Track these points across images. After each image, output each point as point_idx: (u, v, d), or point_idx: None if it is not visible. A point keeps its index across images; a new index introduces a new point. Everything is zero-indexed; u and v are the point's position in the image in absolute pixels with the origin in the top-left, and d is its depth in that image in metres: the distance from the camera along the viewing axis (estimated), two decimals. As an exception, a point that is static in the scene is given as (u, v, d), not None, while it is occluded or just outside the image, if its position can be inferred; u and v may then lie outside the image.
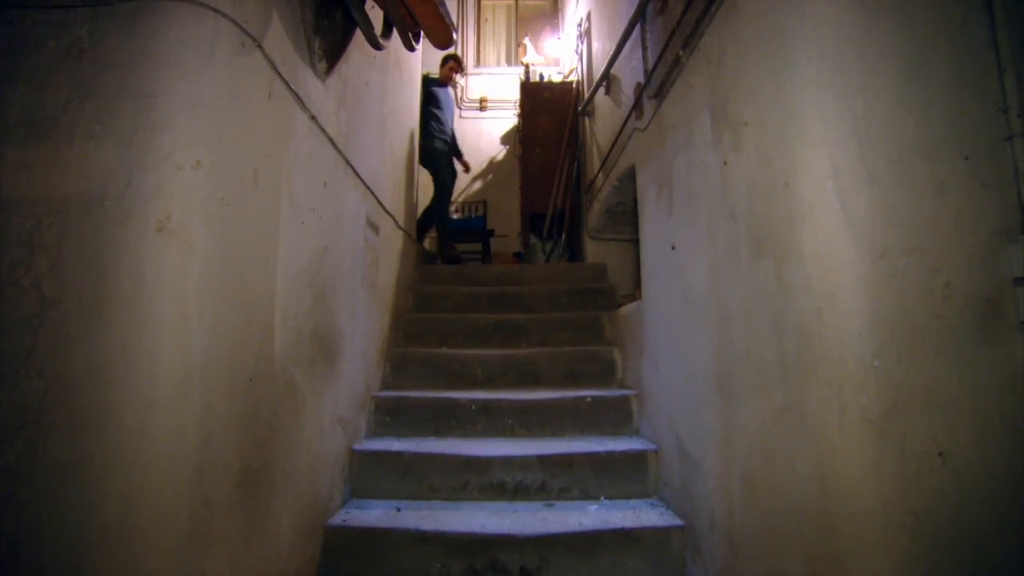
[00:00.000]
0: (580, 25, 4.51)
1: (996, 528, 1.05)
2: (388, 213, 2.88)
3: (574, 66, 4.86)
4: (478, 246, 5.12)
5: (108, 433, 1.04)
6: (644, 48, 2.50)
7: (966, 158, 1.15)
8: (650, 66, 2.38)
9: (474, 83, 5.96)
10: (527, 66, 5.22)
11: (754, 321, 1.43)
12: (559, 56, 5.72)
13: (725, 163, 1.61)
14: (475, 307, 3.58)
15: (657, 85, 2.27)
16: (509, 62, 6.11)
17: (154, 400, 1.07)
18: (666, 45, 2.09)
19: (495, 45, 5.78)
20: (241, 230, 1.32)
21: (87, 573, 1.00)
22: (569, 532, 1.95)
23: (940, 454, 1.04)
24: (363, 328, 2.43)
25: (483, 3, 6.22)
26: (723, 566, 1.62)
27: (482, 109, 5.66)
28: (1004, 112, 1.15)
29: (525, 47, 5.78)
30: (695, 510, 1.87)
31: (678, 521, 1.98)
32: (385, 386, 2.79)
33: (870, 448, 1.08)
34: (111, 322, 1.07)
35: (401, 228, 3.27)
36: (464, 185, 5.70)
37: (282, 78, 1.52)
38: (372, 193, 2.53)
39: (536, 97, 4.73)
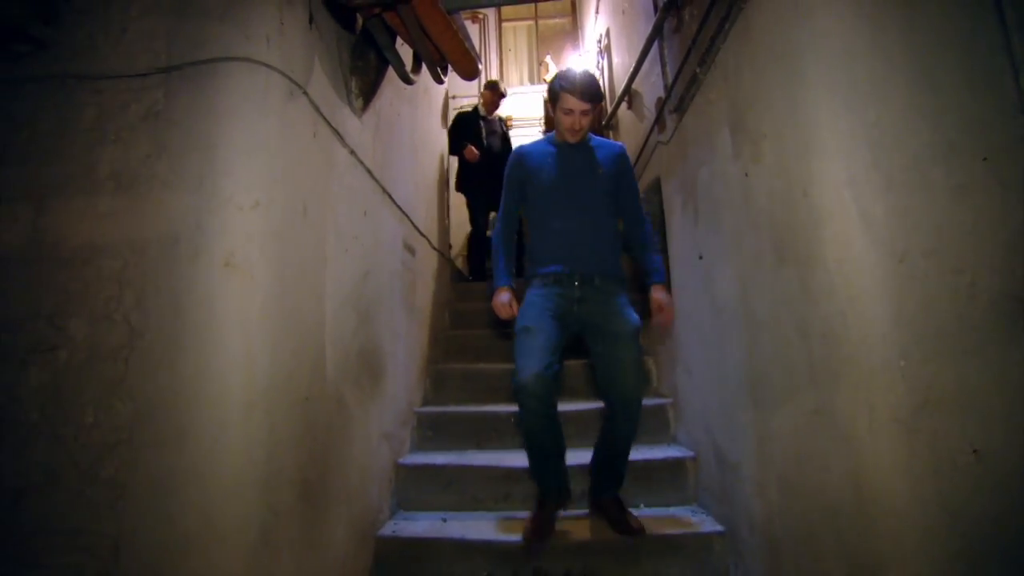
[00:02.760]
0: (600, 41, 4.60)
1: (1034, 523, 1.05)
2: (423, 235, 3.01)
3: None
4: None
5: (186, 450, 1.17)
6: (663, 64, 2.56)
7: (984, 159, 1.18)
8: (670, 81, 2.45)
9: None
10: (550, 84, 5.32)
11: (781, 327, 1.47)
12: (581, 72, 5.82)
13: (746, 175, 1.66)
14: (511, 322, 3.66)
15: (677, 100, 2.33)
16: (532, 81, 6.25)
17: (225, 420, 1.20)
18: (684, 61, 2.15)
19: (517, 66, 5.94)
20: (294, 261, 1.45)
21: (175, 574, 1.12)
22: (610, 539, 1.99)
23: (975, 451, 1.06)
24: (404, 347, 2.54)
25: (504, 25, 6.41)
26: (764, 570, 1.64)
27: (508, 129, 5.79)
28: (1022, 113, 1.17)
29: (547, 65, 5.91)
30: (735, 515, 1.89)
31: (718, 527, 2.00)
32: (426, 402, 2.89)
33: (901, 447, 1.11)
34: (187, 350, 1.21)
35: (435, 248, 3.40)
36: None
37: (324, 119, 1.66)
38: (408, 217, 2.66)
39: (559, 115, 4.83)
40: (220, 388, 1.20)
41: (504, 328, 3.33)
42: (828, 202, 1.26)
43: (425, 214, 3.17)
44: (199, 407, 1.19)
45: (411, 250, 2.75)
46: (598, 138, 2.09)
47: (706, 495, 2.20)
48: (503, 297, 1.95)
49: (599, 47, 4.62)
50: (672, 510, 2.23)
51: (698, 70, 1.96)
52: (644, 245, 2.05)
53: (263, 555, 1.22)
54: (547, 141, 2.05)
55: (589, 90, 1.83)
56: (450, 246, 4.45)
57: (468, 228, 5.52)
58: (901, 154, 1.20)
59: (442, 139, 4.04)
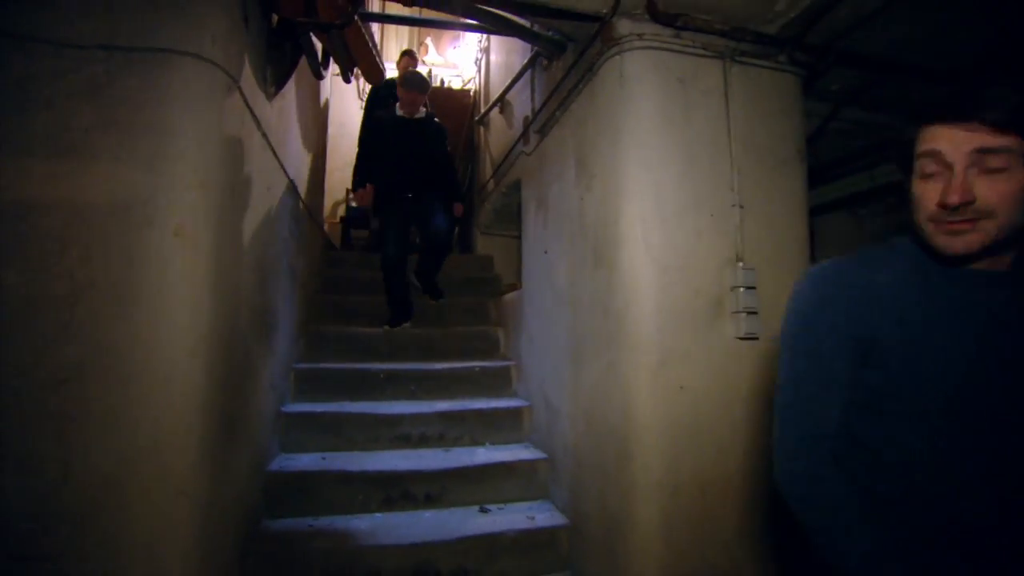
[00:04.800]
0: (480, 41, 5.05)
1: (712, 426, 1.85)
2: (305, 207, 3.23)
3: (472, 76, 5.39)
4: (366, 232, 5.41)
5: (142, 385, 1.43)
6: (532, 90, 3.13)
7: (711, 215, 1.94)
8: (537, 107, 3.03)
9: (375, 75, 6.21)
10: (430, 69, 5.63)
11: (594, 309, 2.14)
12: (458, 63, 6.20)
13: (581, 199, 2.30)
14: (377, 290, 4.01)
15: (541, 123, 2.92)
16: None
17: (175, 361, 1.48)
18: (549, 97, 2.74)
19: (398, 40, 6.08)
20: (227, 232, 1.72)
21: (129, 483, 1.40)
22: (463, 467, 2.57)
23: (681, 387, 1.82)
24: (288, 308, 2.80)
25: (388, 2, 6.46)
26: (571, 477, 2.36)
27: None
28: (732, 191, 1.96)
29: (427, 47, 6.17)
30: (554, 445, 2.59)
31: (543, 455, 2.70)
32: (302, 359, 3.17)
33: (650, 386, 1.83)
34: (141, 302, 1.45)
35: (313, 219, 3.61)
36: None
37: (250, 109, 1.90)
38: (296, 191, 2.89)
39: (436, 100, 5.19)
40: (171, 335, 1.47)
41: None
42: (626, 229, 1.94)
43: (305, 187, 3.37)
44: (152, 350, 1.45)
45: (296, 220, 2.97)
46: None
47: (536, 434, 2.89)
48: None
49: (480, 46, 5.06)
50: (511, 446, 2.90)
51: (557, 111, 2.56)
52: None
53: (200, 469, 1.53)
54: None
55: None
56: (323, 218, 4.60)
57: (338, 197, 5.66)
58: (670, 205, 1.92)
59: (323, 117, 4.18)
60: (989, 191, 0.73)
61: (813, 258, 2.14)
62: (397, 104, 3.60)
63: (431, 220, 3.52)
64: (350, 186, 5.78)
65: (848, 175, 3.15)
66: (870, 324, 0.83)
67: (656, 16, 1.85)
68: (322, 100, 4.00)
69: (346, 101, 5.78)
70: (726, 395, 1.89)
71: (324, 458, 2.57)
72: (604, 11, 1.88)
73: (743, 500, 1.86)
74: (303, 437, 2.67)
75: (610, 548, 1.93)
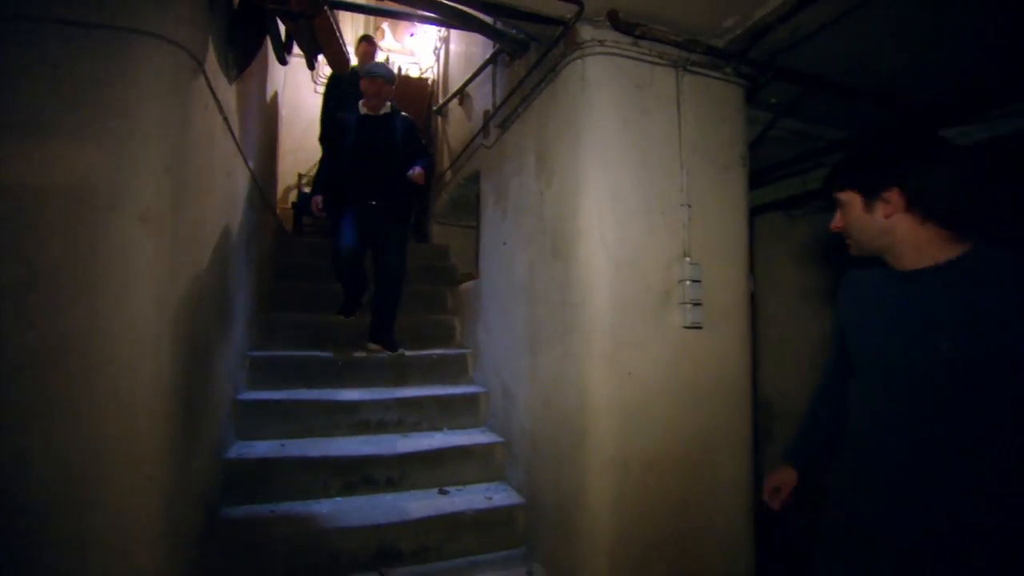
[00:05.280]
0: (440, 31, 5.03)
1: (658, 408, 2.02)
2: (262, 192, 3.17)
3: (431, 65, 5.37)
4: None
5: (109, 371, 1.42)
6: (494, 85, 3.20)
7: (662, 214, 2.09)
8: (498, 101, 3.10)
9: (328, 57, 6.05)
10: (387, 56, 5.55)
11: (551, 300, 2.26)
12: (415, 50, 6.14)
13: (542, 194, 2.41)
14: (331, 277, 3.97)
15: (502, 119, 2.99)
16: (366, 43, 6.31)
17: (142, 349, 1.47)
18: (510, 94, 2.81)
19: (353, 26, 5.95)
20: (190, 218, 1.70)
21: (94, 472, 1.39)
22: (421, 451, 2.64)
23: (630, 373, 1.97)
24: (243, 294, 2.76)
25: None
26: (528, 458, 2.48)
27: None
28: (682, 191, 2.12)
29: (383, 31, 6.07)
30: (511, 429, 2.71)
31: (499, 439, 2.81)
32: (256, 346, 3.12)
33: (603, 371, 1.97)
34: (106, 289, 1.43)
35: (267, 204, 3.54)
36: (315, 162, 5.84)
37: (213, 93, 1.88)
38: (253, 176, 2.84)
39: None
40: (137, 322, 1.46)
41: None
42: (584, 226, 2.06)
43: (260, 172, 3.30)
44: (119, 337, 1.43)
45: (252, 206, 2.92)
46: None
47: (493, 420, 3.00)
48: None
49: (439, 35, 5.04)
50: (468, 431, 2.99)
51: (519, 108, 2.65)
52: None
53: (166, 456, 1.53)
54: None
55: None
56: (276, 202, 4.49)
57: (289, 182, 5.52)
58: (625, 204, 2.05)
59: (278, 102, 4.07)
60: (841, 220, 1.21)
61: (751, 254, 2.35)
62: (361, 102, 3.24)
63: (389, 247, 3.22)
64: (301, 171, 5.70)
65: (783, 179, 3.41)
66: (844, 317, 1.26)
67: (617, 24, 1.97)
68: (276, 82, 3.90)
69: (298, 82, 5.63)
70: (672, 380, 2.06)
71: (283, 445, 2.57)
72: (569, 16, 1.98)
73: (685, 475, 2.05)
74: (259, 425, 2.65)
75: (565, 521, 2.07)
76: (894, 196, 1.08)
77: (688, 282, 2.06)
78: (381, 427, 2.86)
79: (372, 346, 3.28)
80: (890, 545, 1.06)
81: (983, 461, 0.97)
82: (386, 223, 3.24)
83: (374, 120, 3.25)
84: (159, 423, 1.51)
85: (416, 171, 3.16)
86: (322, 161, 3.44)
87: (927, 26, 1.99)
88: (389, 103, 3.29)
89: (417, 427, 2.93)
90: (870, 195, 1.11)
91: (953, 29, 2.00)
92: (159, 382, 1.51)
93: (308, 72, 5.44)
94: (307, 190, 5.69)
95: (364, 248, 3.27)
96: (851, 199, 1.15)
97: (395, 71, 3.65)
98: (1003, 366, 0.94)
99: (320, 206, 3.21)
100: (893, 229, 1.10)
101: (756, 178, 3.02)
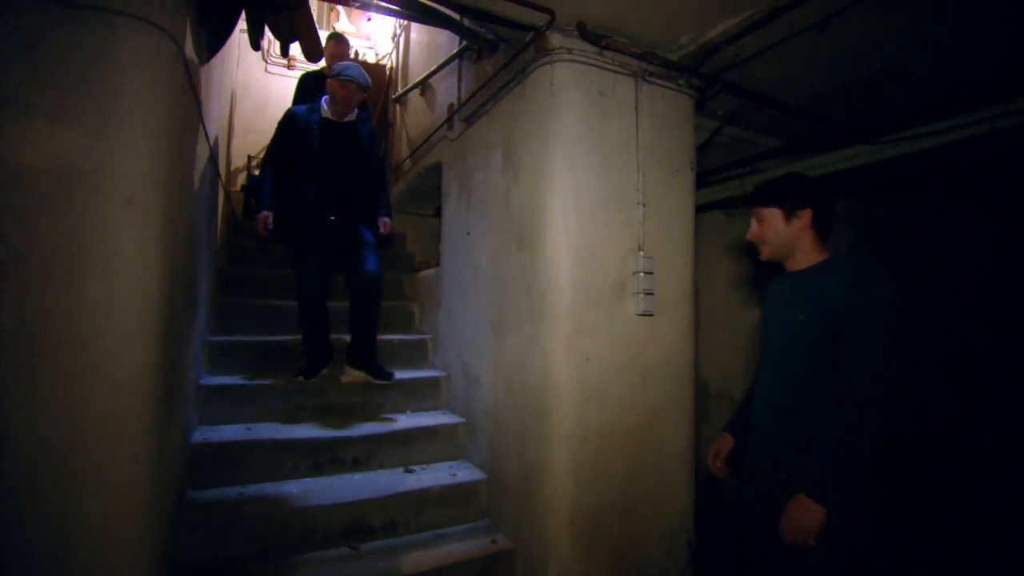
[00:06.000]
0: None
1: (613, 387, 2.23)
2: (219, 174, 3.12)
3: (389, 51, 5.35)
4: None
5: (95, 351, 1.44)
6: (459, 79, 3.29)
7: (620, 210, 2.29)
8: (463, 96, 3.19)
9: (280, 36, 5.88)
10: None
11: (517, 287, 2.42)
12: (371, 34, 6.06)
13: (508, 188, 2.55)
14: (286, 262, 3.95)
15: (468, 113, 3.10)
16: (320, 24, 6.17)
17: (128, 327, 1.50)
18: (478, 89, 2.92)
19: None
20: (173, 199, 1.72)
21: (80, 452, 1.42)
22: (387, 432, 2.74)
23: (587, 360, 2.17)
24: (205, 278, 2.74)
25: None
26: (490, 436, 2.64)
27: (290, 68, 5.68)
28: (637, 191, 2.32)
29: (338, 13, 5.96)
30: (473, 410, 2.86)
31: (462, 419, 2.95)
32: (215, 331, 3.09)
33: (565, 353, 2.16)
34: (92, 271, 1.45)
35: (224, 187, 3.47)
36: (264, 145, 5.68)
37: (190, 77, 1.88)
38: (215, 159, 2.80)
39: (350, 72, 5.10)
40: (124, 303, 1.48)
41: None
42: (550, 219, 2.22)
43: (217, 154, 3.24)
44: (104, 318, 1.45)
45: (213, 189, 2.89)
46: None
47: (455, 401, 3.13)
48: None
49: (399, 22, 5.03)
50: (430, 413, 3.11)
51: (487, 104, 2.76)
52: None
53: (150, 437, 1.56)
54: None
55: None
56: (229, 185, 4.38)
57: (239, 164, 5.36)
58: (587, 200, 2.23)
59: (232, 83, 3.96)
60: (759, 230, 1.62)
61: (696, 249, 2.60)
62: (324, 99, 2.86)
63: (360, 256, 2.86)
64: (251, 152, 5.53)
65: (725, 181, 3.72)
66: (763, 312, 1.71)
67: (585, 35, 2.13)
68: (231, 62, 3.80)
69: (248, 62, 5.45)
70: (625, 362, 2.27)
71: (248, 428, 2.60)
72: (541, 24, 2.12)
73: (635, 447, 2.27)
74: (223, 409, 2.66)
75: (528, 491, 2.25)
76: (806, 215, 1.51)
77: (642, 273, 2.27)
78: (346, 409, 2.93)
79: (354, 372, 2.96)
80: (756, 462, 1.57)
81: (807, 391, 1.44)
82: (356, 233, 2.94)
83: (339, 127, 2.88)
84: (146, 404, 1.54)
85: (385, 221, 3.08)
86: (266, 163, 2.89)
87: (830, 58, 2.29)
88: (356, 109, 2.96)
89: (381, 409, 3.02)
90: (790, 211, 1.52)
91: (852, 60, 2.32)
92: (146, 363, 1.54)
93: (258, 52, 5.30)
94: (256, 173, 5.54)
95: (330, 281, 2.98)
96: (773, 214, 1.55)
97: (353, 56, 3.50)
98: (828, 332, 1.39)
99: (269, 225, 2.77)
100: (799, 239, 1.53)
101: (700, 179, 3.30)
